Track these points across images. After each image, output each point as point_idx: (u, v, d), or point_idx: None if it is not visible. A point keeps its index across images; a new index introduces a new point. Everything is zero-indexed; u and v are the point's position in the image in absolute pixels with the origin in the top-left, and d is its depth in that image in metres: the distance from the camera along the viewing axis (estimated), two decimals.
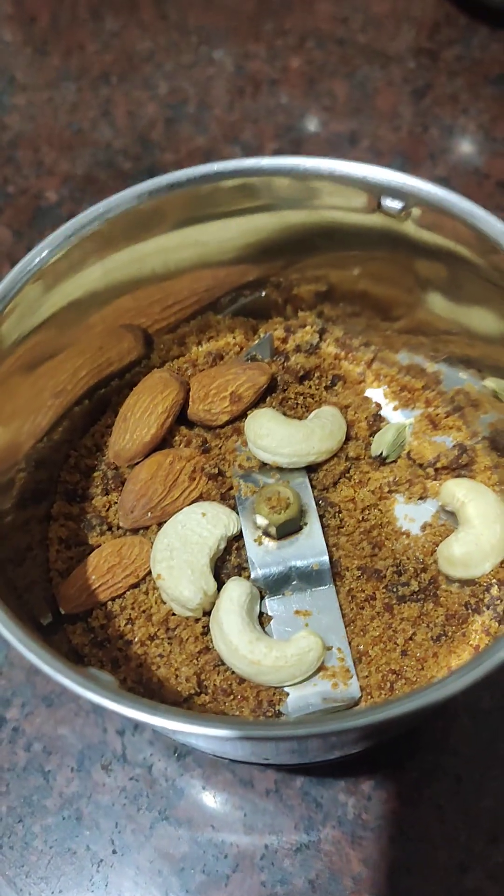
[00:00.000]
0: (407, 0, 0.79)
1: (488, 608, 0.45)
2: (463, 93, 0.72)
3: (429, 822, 0.46)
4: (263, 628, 0.45)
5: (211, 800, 0.47)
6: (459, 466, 0.49)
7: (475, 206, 0.41)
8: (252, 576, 0.45)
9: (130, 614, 0.45)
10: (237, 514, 0.47)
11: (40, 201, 0.70)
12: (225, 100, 0.74)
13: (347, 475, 0.49)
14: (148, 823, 0.47)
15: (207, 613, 0.45)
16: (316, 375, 0.52)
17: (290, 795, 0.47)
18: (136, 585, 0.46)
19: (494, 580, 0.46)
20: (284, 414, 0.50)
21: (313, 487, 0.48)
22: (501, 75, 0.73)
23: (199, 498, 0.48)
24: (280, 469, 0.48)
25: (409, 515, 0.48)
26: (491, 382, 0.47)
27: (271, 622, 0.45)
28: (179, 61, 0.77)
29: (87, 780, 0.48)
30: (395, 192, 0.43)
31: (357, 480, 0.49)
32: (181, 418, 0.50)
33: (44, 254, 0.43)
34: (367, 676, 0.44)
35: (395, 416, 0.52)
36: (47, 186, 0.71)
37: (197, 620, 0.45)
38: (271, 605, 0.45)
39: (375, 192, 0.43)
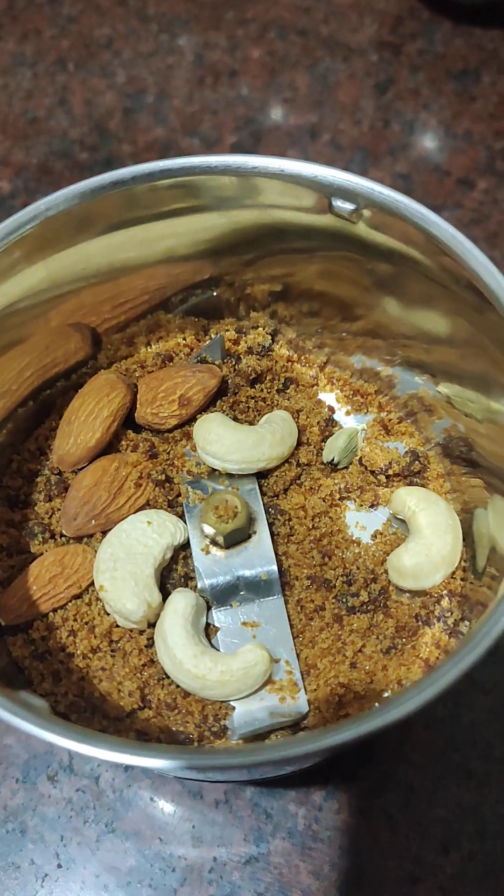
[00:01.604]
0: None
1: (439, 620, 0.45)
2: (424, 88, 0.72)
3: (380, 832, 0.46)
4: (210, 640, 0.44)
5: (159, 811, 0.46)
6: (412, 473, 0.48)
7: (425, 208, 0.40)
8: (199, 586, 0.44)
9: (73, 626, 0.44)
10: (184, 522, 0.46)
11: None
12: (184, 90, 0.73)
13: (298, 482, 0.48)
14: (94, 836, 0.46)
15: (152, 625, 0.44)
16: (268, 378, 0.51)
17: (239, 806, 0.46)
18: (78, 596, 0.45)
19: (445, 591, 0.45)
20: (235, 418, 0.49)
21: (263, 494, 0.47)
22: (463, 71, 0.72)
23: (146, 505, 0.47)
24: (230, 475, 0.47)
25: (361, 523, 0.48)
26: (445, 388, 0.47)
27: (218, 633, 0.44)
28: (138, 49, 0.76)
29: (32, 792, 0.47)
30: (345, 194, 0.42)
31: (308, 487, 0.48)
32: (128, 422, 0.49)
33: None
34: (315, 690, 0.43)
35: (348, 421, 0.51)
36: (1, 176, 0.69)
37: (141, 632, 0.44)
38: (218, 617, 0.45)
39: (326, 192, 0.42)
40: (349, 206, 0.42)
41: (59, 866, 0.45)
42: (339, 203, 0.42)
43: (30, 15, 0.79)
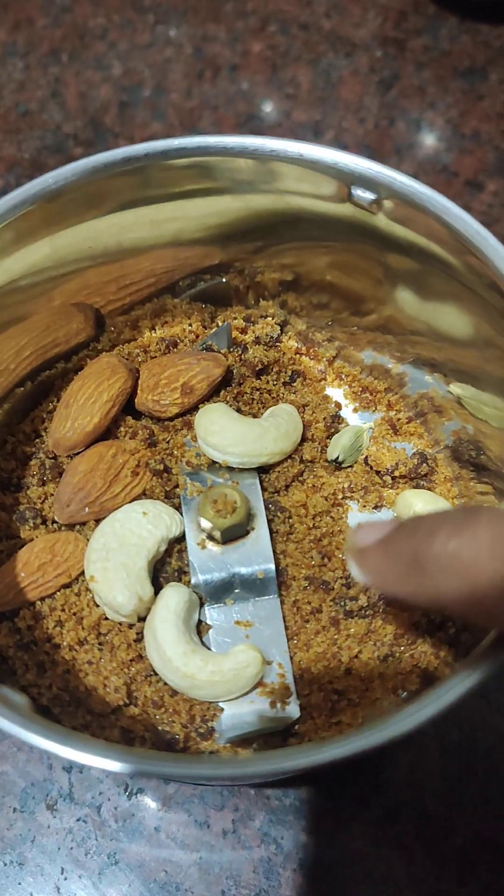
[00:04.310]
0: None
1: (439, 630, 0.43)
2: (430, 85, 0.70)
3: (394, 863, 0.44)
4: (201, 638, 0.43)
5: (164, 842, 0.45)
6: (419, 476, 0.47)
7: (450, 202, 0.39)
8: (192, 581, 0.43)
9: (60, 616, 0.42)
10: (181, 514, 0.44)
11: None
12: (182, 84, 0.71)
13: (301, 479, 0.47)
14: (97, 869, 0.44)
15: (142, 619, 0.42)
16: (274, 370, 0.50)
17: (248, 836, 0.45)
18: (67, 585, 0.43)
19: None
20: (239, 410, 0.48)
21: (264, 490, 0.46)
22: (470, 68, 0.71)
23: (142, 495, 0.45)
24: (230, 469, 0.46)
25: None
26: (456, 388, 0.46)
27: (210, 631, 0.43)
28: (134, 41, 0.74)
29: (30, 822, 0.45)
30: (367, 183, 0.40)
31: (310, 485, 0.47)
32: (128, 408, 0.48)
33: None
34: (307, 695, 0.42)
35: (355, 419, 0.50)
36: None
37: (131, 626, 0.42)
38: (211, 614, 0.43)
39: (346, 180, 0.41)
40: (370, 196, 0.41)
41: None
42: (359, 192, 0.41)
43: (21, 4, 0.76)
